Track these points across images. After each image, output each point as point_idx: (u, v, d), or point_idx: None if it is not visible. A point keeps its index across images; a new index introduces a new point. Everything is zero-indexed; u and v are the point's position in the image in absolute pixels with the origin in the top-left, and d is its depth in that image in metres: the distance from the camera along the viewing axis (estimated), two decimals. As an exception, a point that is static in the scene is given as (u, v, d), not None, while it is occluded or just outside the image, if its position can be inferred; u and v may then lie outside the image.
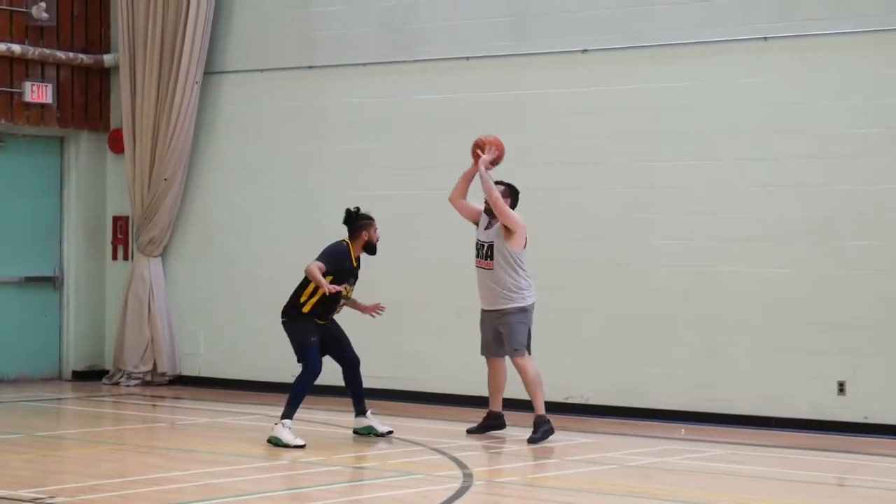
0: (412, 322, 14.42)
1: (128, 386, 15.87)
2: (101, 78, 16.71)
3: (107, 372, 16.35)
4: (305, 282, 11.51)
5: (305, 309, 11.49)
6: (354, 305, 11.92)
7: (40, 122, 16.20)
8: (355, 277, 11.64)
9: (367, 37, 14.95)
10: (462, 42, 14.32)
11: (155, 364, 16.01)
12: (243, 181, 15.74)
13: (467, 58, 14.27)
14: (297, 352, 11.53)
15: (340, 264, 11.49)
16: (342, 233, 11.67)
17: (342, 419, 12.49)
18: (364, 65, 14.92)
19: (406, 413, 13.40)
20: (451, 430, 12.26)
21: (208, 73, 15.94)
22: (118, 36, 16.26)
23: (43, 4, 15.98)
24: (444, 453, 10.87)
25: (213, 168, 16.02)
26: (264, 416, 12.10)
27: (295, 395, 11.37)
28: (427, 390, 14.32)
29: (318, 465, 10.36)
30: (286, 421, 11.25)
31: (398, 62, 14.72)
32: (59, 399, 15.08)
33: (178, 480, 9.63)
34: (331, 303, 11.49)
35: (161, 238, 16.05)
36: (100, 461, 10.66)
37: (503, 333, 11.71)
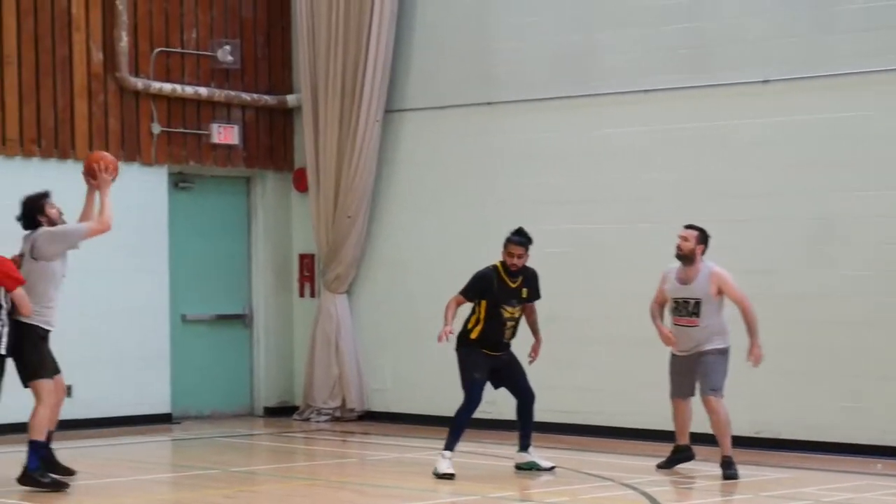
0: (599, 355, 14.38)
1: (318, 422, 16.10)
2: (285, 118, 17.05)
3: (297, 408, 16.61)
4: (472, 310, 11.64)
5: (473, 335, 11.63)
6: (534, 332, 11.93)
7: (227, 163, 16.58)
8: (517, 299, 11.63)
9: (545, 72, 15.01)
10: (640, 75, 14.30)
11: (343, 400, 16.22)
12: (425, 217, 15.89)
13: (646, 91, 14.24)
14: (461, 380, 11.67)
15: (485, 287, 11.57)
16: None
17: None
18: (543, 100, 14.98)
19: (594, 448, 13.38)
20: (641, 465, 12.21)
21: (389, 111, 16.15)
22: (300, 77, 16.58)
23: (228, 48, 16.37)
24: (634, 488, 10.83)
25: (396, 204, 16.21)
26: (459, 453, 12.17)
27: (454, 426, 11.53)
28: (615, 425, 14.25)
29: (510, 501, 10.41)
30: (446, 452, 11.42)
31: (577, 97, 14.74)
32: (252, 435, 15.37)
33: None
34: (496, 328, 11.56)
35: (346, 275, 16.28)
36: (293, 496, 10.86)
37: (700, 373, 11.57)
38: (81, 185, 15.40)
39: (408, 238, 16.03)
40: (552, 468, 11.76)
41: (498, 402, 13.11)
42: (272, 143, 16.94)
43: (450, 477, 11.25)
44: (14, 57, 14.87)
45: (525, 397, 11.80)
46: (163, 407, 15.83)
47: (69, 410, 14.95)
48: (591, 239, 14.53)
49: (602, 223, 14.48)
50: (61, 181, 15.21)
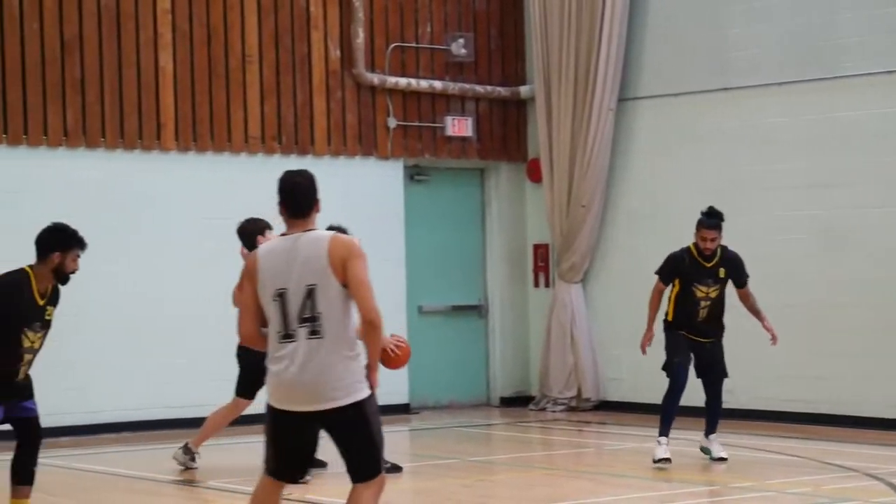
0: (836, 343, 14.07)
1: (553, 411, 16.14)
2: (518, 109, 17.13)
3: (532, 398, 16.68)
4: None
5: (669, 317, 11.56)
6: (756, 314, 11.68)
7: (461, 155, 16.74)
8: (712, 278, 11.41)
9: (781, 55, 14.75)
10: (880, 55, 13.95)
11: (579, 389, 16.23)
12: (660, 205, 15.77)
13: (887, 72, 13.89)
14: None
15: (675, 266, 11.48)
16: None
17: (769, 444, 12.34)
18: (779, 84, 14.72)
19: (835, 437, 13.12)
20: (887, 454, 11.93)
21: (622, 99, 16.08)
22: (533, 67, 16.63)
23: (462, 41, 16.53)
24: (880, 479, 10.59)
25: (630, 192, 16.13)
26: (689, 441, 12.08)
27: (662, 412, 11.50)
28: (856, 414, 13.94)
29: (748, 491, 10.29)
30: (661, 439, 11.38)
31: (814, 80, 14.44)
32: (489, 425, 15.50)
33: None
34: (689, 308, 11.42)
35: (581, 264, 16.28)
36: (533, 485, 10.90)
37: None
38: (318, 179, 15.73)
39: (642, 226, 15.93)
40: (724, 459, 11.55)
41: (735, 391, 12.96)
42: (506, 135, 17.04)
43: (665, 462, 11.24)
44: (255, 56, 15.27)
45: (714, 388, 11.56)
46: (401, 397, 16.08)
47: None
48: (830, 224, 14.23)
49: (842, 208, 14.16)
50: (301, 176, 15.60)
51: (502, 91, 16.90)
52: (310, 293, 6.64)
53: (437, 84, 16.42)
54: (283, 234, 6.87)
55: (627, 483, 10.93)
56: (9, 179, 13.80)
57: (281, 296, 6.66)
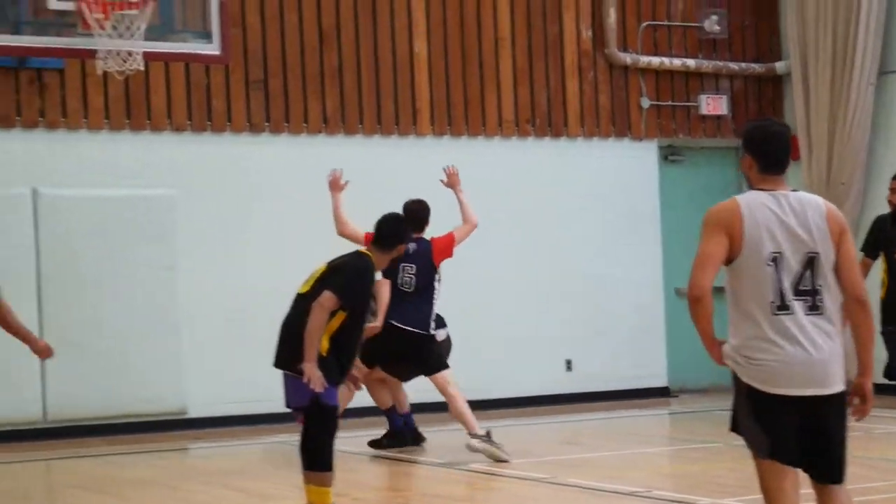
0: None
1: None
2: (774, 86, 16.81)
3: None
4: None
5: (882, 295, 10.89)
6: None
7: (716, 134, 16.52)
8: None
9: None
10: None
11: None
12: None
13: None
14: None
15: (876, 233, 10.99)
16: None
17: None
18: None
19: None
20: None
21: (883, 72, 15.64)
22: (789, 43, 16.29)
23: (715, 17, 16.29)
24: None
25: (892, 170, 15.67)
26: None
27: None
28: None
29: None
30: None
31: None
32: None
33: (884, 491, 9.51)
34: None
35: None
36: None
37: None
38: (571, 162, 15.75)
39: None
40: None
41: None
42: (761, 112, 16.73)
43: None
44: (508, 40, 15.33)
45: None
46: (660, 380, 15.96)
47: (567, 385, 15.40)
48: None
49: None
50: (555, 158, 15.67)
51: (757, 68, 16.61)
52: (810, 262, 5.90)
53: (691, 62, 16.23)
54: (759, 189, 6.04)
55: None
56: (272, 167, 14.12)
57: (775, 261, 5.91)
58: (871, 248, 10.74)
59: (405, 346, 11.32)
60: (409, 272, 11.45)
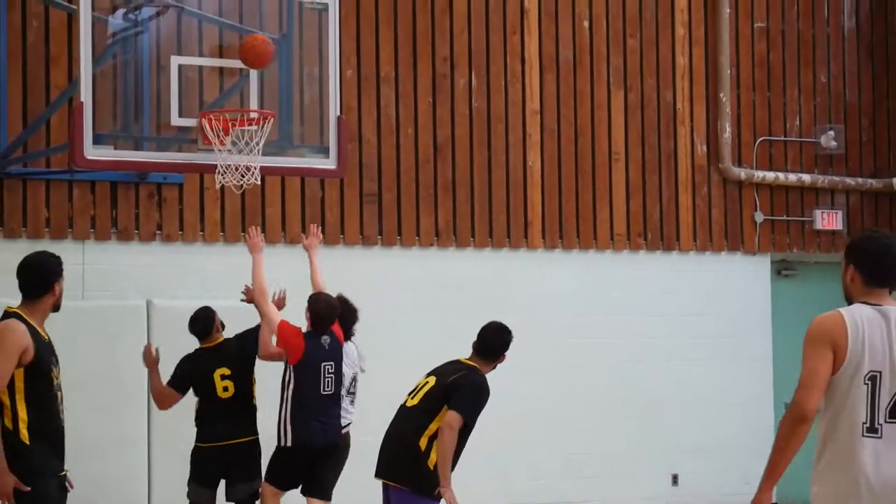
0: None
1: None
2: (891, 201, 16.73)
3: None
4: None
5: None
6: None
7: (831, 249, 16.45)
8: None
9: None
10: None
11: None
12: None
13: None
14: None
15: None
16: None
17: None
18: None
19: None
20: None
21: None
22: (909, 161, 16.27)
23: (832, 133, 16.29)
24: None
25: None
26: None
27: None
28: None
29: None
30: None
31: None
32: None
33: None
34: None
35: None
36: None
37: None
38: (683, 275, 15.73)
39: None
40: None
41: None
42: (877, 227, 16.66)
43: None
44: (622, 153, 15.47)
45: None
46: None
47: (673, 499, 15.34)
48: None
49: None
50: (666, 272, 15.71)
51: (874, 183, 16.55)
52: None
53: (806, 177, 16.23)
54: (862, 303, 5.91)
55: None
56: (384, 279, 14.35)
57: (873, 380, 5.74)
58: None
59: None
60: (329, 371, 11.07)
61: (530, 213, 15.06)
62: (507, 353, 9.11)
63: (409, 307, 14.15)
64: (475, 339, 9.07)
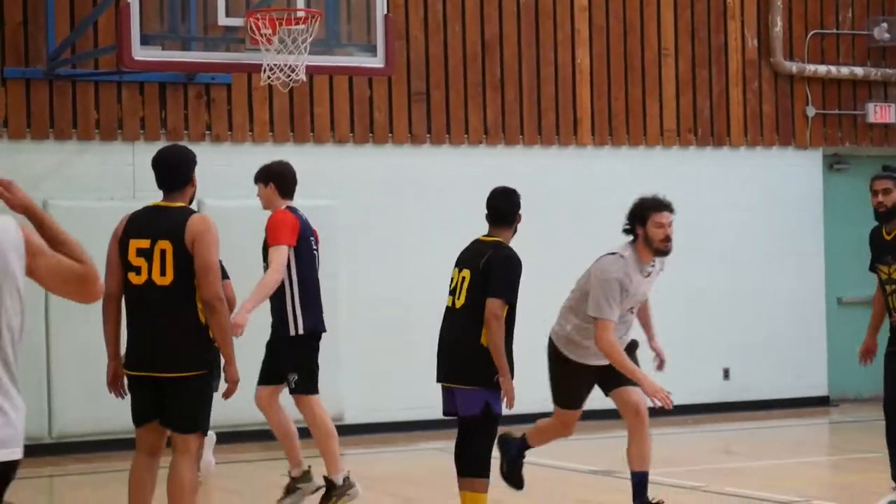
0: None
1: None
2: (953, 94, 16.56)
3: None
4: None
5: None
6: None
7: (884, 143, 16.31)
8: (892, 255, 9.16)
9: None
10: None
11: None
12: None
13: None
14: None
15: (871, 247, 9.39)
16: None
17: None
18: None
19: None
20: None
21: None
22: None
23: (885, 25, 16.08)
24: None
25: None
26: None
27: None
28: None
29: None
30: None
31: None
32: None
33: None
34: (885, 298, 9.34)
35: None
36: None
37: None
38: (734, 171, 15.69)
39: None
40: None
41: None
42: (931, 121, 16.50)
43: None
44: (672, 49, 15.34)
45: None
46: (820, 390, 15.85)
47: (724, 393, 15.38)
48: None
49: None
50: (717, 168, 15.62)
51: (927, 75, 16.39)
52: None
53: (859, 70, 16.05)
54: None
55: None
56: (432, 177, 14.35)
57: None
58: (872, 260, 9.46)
59: None
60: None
61: (579, 110, 14.98)
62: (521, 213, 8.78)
63: (457, 205, 14.13)
64: (486, 211, 8.76)
